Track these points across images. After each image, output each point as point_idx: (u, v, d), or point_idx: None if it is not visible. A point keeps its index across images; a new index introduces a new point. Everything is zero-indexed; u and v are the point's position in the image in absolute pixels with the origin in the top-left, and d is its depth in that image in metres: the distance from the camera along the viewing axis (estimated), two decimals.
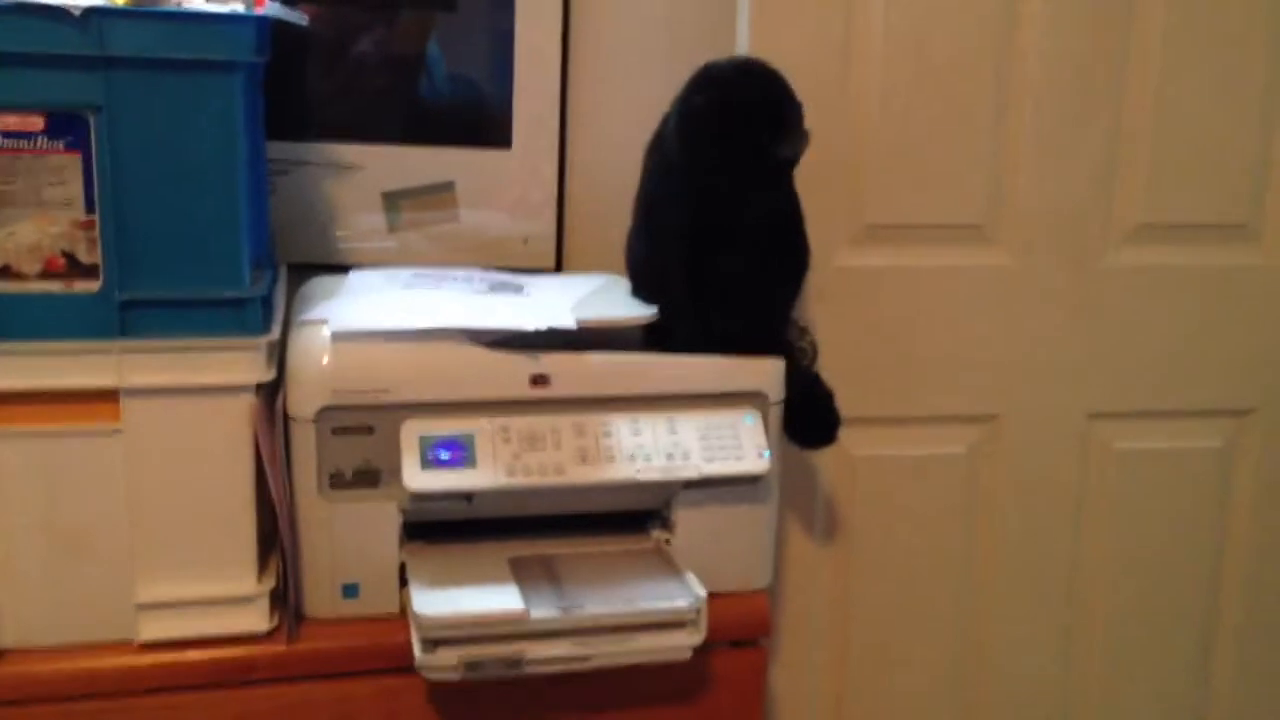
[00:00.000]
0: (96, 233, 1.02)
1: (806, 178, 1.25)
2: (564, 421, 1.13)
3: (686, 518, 1.19)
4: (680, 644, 1.11)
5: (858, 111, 1.48)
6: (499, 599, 1.08)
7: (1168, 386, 1.64)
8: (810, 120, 1.23)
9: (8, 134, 0.99)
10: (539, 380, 1.13)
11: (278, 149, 1.37)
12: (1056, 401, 1.61)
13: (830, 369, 1.35)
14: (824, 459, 1.55)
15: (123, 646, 1.08)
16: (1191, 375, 1.64)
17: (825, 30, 1.45)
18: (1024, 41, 1.50)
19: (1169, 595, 1.70)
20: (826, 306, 1.51)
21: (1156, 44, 1.52)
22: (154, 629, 1.08)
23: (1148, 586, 1.69)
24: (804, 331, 1.38)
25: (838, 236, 1.51)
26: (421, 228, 1.45)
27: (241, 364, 1.07)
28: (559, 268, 1.48)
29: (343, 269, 1.33)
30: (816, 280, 1.44)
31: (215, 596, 1.09)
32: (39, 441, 1.04)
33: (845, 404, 1.32)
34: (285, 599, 1.11)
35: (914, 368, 1.57)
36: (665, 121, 1.21)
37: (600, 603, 1.10)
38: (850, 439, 1.51)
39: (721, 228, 1.18)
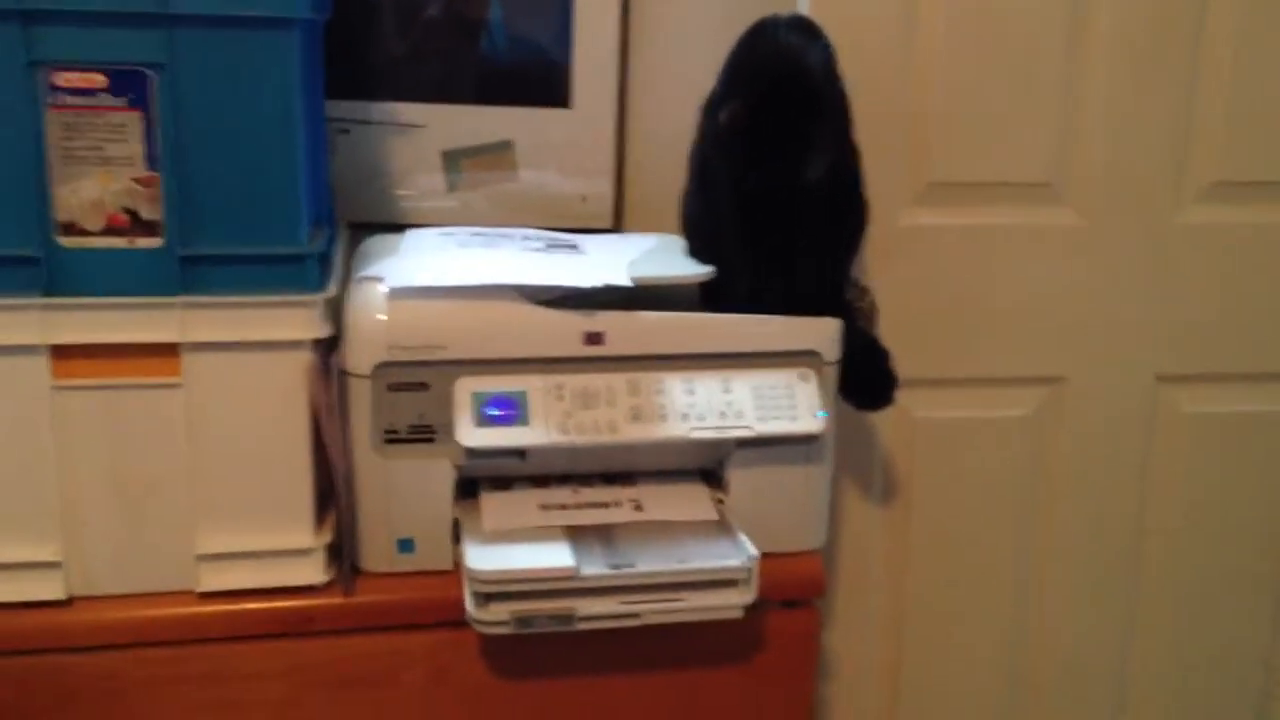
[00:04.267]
0: (158, 189, 1.04)
1: (868, 134, 1.23)
2: (618, 380, 1.13)
3: (740, 477, 1.19)
4: (732, 603, 1.11)
5: (922, 66, 1.46)
6: (551, 555, 1.09)
7: (1239, 349, 1.60)
8: (873, 76, 1.22)
9: (70, 91, 1.00)
10: (593, 338, 1.13)
11: (338, 108, 1.39)
12: (1124, 364, 1.58)
13: (891, 329, 1.33)
14: (883, 420, 1.54)
15: (184, 596, 1.10)
16: (1263, 337, 1.60)
17: None
18: None
19: (1237, 564, 1.67)
20: (888, 266, 1.49)
21: None
22: (214, 579, 1.10)
23: (1215, 554, 1.66)
24: (864, 291, 1.36)
25: (901, 195, 1.49)
26: (480, 187, 1.45)
27: (299, 320, 1.08)
28: (617, 227, 1.48)
29: (402, 228, 1.34)
30: (878, 239, 1.42)
31: (273, 549, 1.11)
32: (102, 394, 1.06)
33: (906, 365, 1.31)
34: (341, 553, 1.13)
35: (977, 328, 1.55)
36: (719, 80, 1.20)
37: (651, 560, 1.10)
38: (910, 400, 1.50)
39: (777, 187, 1.17)
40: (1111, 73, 1.48)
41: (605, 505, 1.14)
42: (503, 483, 1.18)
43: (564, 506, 1.13)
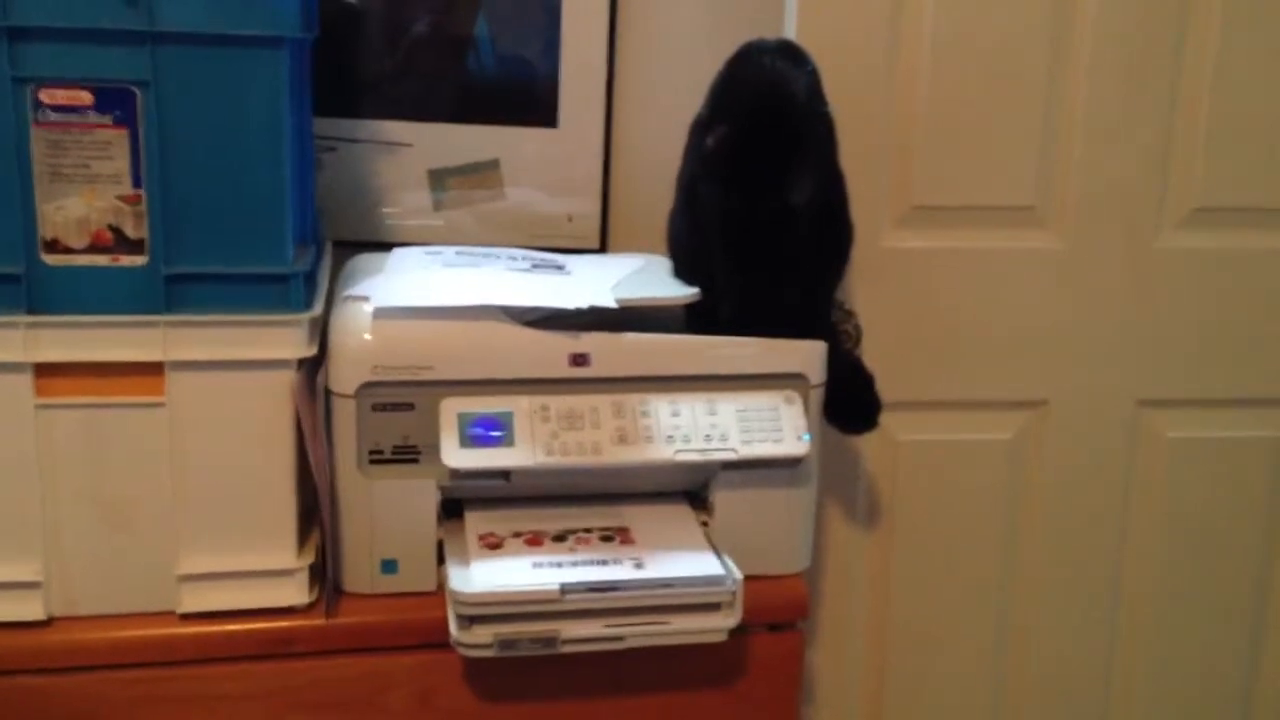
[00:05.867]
0: (143, 207, 1.03)
1: (852, 157, 1.24)
2: (603, 401, 1.13)
3: (725, 499, 1.19)
4: (716, 626, 1.11)
5: (906, 90, 1.46)
6: (535, 577, 1.08)
7: (1221, 374, 1.60)
8: (857, 99, 1.23)
9: (56, 108, 1.00)
10: (579, 359, 1.13)
11: (325, 126, 1.38)
12: (1106, 388, 1.59)
13: (875, 352, 1.34)
14: (866, 443, 1.54)
15: (164, 617, 1.09)
16: (1246, 363, 1.61)
17: (873, 6, 1.43)
18: (1078, 19, 1.47)
19: (1217, 589, 1.67)
20: (872, 289, 1.50)
21: (1215, 22, 1.49)
22: (195, 600, 1.10)
23: (1196, 580, 1.67)
24: (849, 314, 1.36)
25: (884, 217, 1.49)
26: (467, 206, 1.45)
27: (284, 339, 1.07)
28: (603, 247, 1.48)
29: (388, 247, 1.33)
30: (862, 262, 1.42)
31: (255, 569, 1.10)
32: (85, 413, 1.06)
33: (889, 388, 1.31)
34: (324, 573, 1.12)
35: (960, 352, 1.55)
36: (705, 103, 1.20)
37: (636, 584, 1.10)
38: (894, 423, 1.51)
39: (762, 210, 1.17)
40: (1093, 98, 1.49)
41: (603, 562, 1.12)
42: (487, 504, 1.18)
43: (558, 564, 1.11)
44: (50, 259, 1.03)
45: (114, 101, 1.01)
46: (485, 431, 1.10)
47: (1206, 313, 1.58)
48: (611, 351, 1.14)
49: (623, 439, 1.12)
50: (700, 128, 1.21)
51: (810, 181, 1.15)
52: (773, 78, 1.17)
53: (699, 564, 1.13)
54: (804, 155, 1.16)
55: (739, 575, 1.11)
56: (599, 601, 1.08)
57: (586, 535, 1.16)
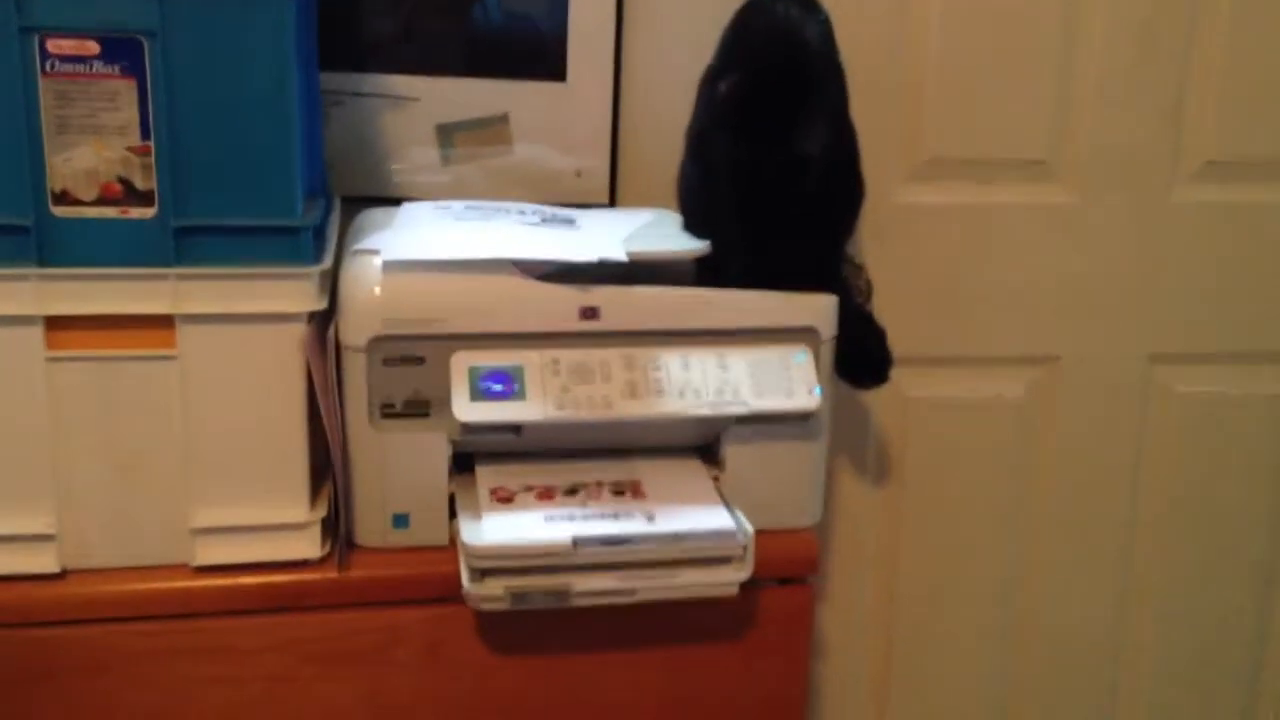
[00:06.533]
0: (152, 159, 1.03)
1: (864, 110, 1.23)
2: (613, 355, 1.13)
3: (736, 454, 1.19)
4: (727, 579, 1.11)
5: (918, 42, 1.45)
6: (547, 531, 1.09)
7: (1233, 329, 1.60)
8: (868, 52, 1.21)
9: (63, 58, 0.99)
10: (589, 313, 1.12)
11: (332, 80, 1.37)
12: (1117, 343, 1.58)
13: (886, 307, 1.33)
14: (877, 399, 1.54)
15: (178, 570, 1.10)
16: (1257, 317, 1.60)
17: None
18: None
19: (1229, 544, 1.68)
20: (883, 243, 1.49)
21: None
22: (208, 553, 1.10)
23: (1207, 534, 1.67)
24: (859, 269, 1.36)
25: (896, 171, 1.48)
26: (475, 161, 1.44)
27: (294, 292, 1.07)
28: (613, 202, 1.47)
29: (396, 202, 1.33)
30: (873, 216, 1.42)
31: (268, 523, 1.10)
32: (96, 366, 1.05)
33: (900, 343, 1.31)
34: (336, 527, 1.13)
35: (972, 307, 1.55)
36: (716, 53, 1.19)
37: (648, 537, 1.10)
38: (904, 379, 1.50)
39: (773, 160, 1.16)
40: (1107, 50, 1.48)
41: (615, 515, 1.12)
42: (498, 458, 1.18)
43: (570, 518, 1.11)
44: (59, 211, 1.02)
45: (121, 51, 1.00)
46: (496, 385, 1.10)
47: (1219, 267, 1.57)
48: (622, 305, 1.13)
49: (633, 393, 1.12)
50: (711, 78, 1.20)
51: (822, 130, 1.15)
52: (785, 25, 1.16)
53: (710, 518, 1.13)
54: (817, 103, 1.15)
55: (750, 529, 1.11)
56: (611, 555, 1.08)
57: (598, 489, 1.16)
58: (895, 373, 1.32)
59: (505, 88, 1.43)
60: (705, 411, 1.13)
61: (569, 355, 1.12)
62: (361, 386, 1.10)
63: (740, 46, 1.18)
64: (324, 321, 1.10)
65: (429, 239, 1.16)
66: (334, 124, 1.39)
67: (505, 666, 1.15)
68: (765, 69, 1.15)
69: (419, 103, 1.42)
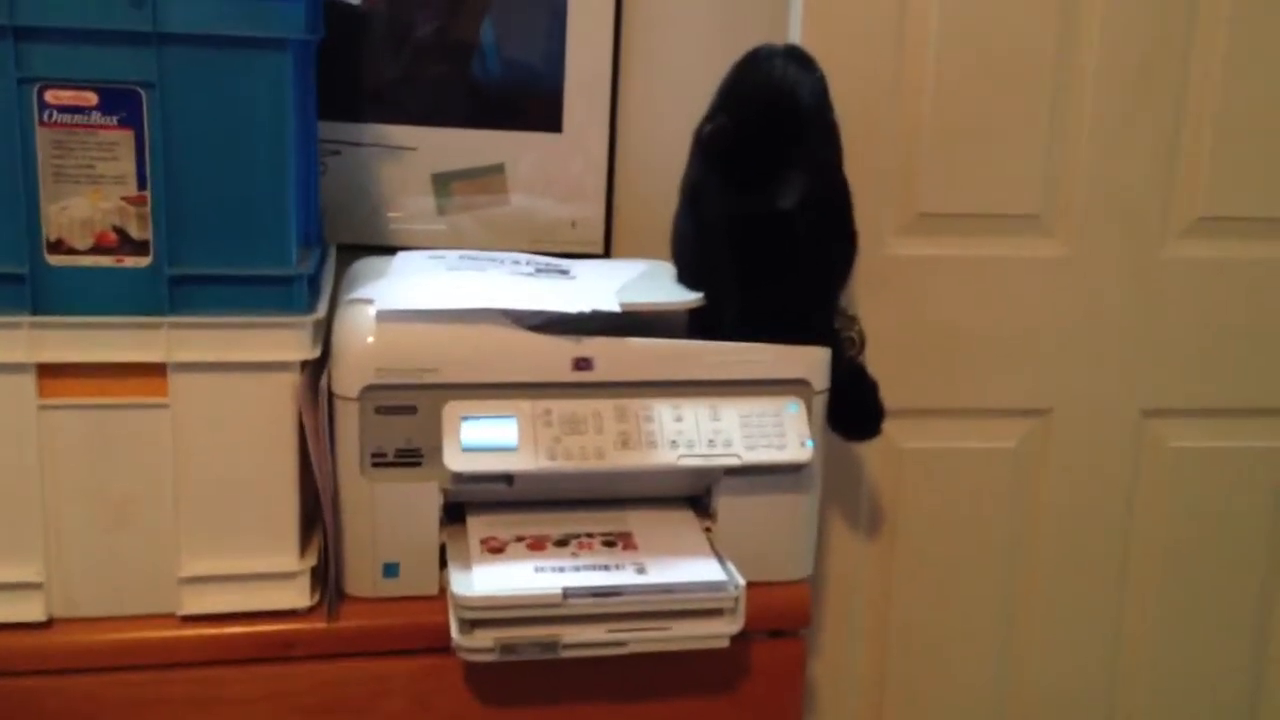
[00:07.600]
0: (148, 208, 1.03)
1: (857, 164, 1.24)
2: (606, 406, 1.13)
3: (728, 505, 1.19)
4: (718, 632, 1.10)
5: (911, 97, 1.46)
6: (537, 582, 1.08)
7: (1225, 384, 1.60)
8: (862, 106, 1.22)
9: (61, 109, 1.00)
10: (582, 364, 1.13)
11: (330, 129, 1.38)
12: (1110, 397, 1.59)
13: (879, 359, 1.33)
14: (870, 450, 1.54)
15: (165, 619, 1.09)
16: (1250, 373, 1.60)
17: (879, 13, 1.44)
18: (1084, 28, 1.47)
19: (1221, 601, 1.67)
20: (876, 296, 1.49)
21: (1221, 31, 1.49)
22: (196, 603, 1.09)
23: (1199, 589, 1.66)
24: (852, 321, 1.36)
25: (889, 225, 1.49)
26: (471, 210, 1.45)
27: (287, 341, 1.07)
28: (608, 252, 1.48)
29: (391, 251, 1.33)
30: (866, 269, 1.42)
31: (257, 572, 1.10)
32: (88, 414, 1.05)
33: (893, 395, 1.31)
34: (326, 576, 1.12)
35: (965, 360, 1.55)
36: (712, 105, 1.20)
37: (638, 589, 1.09)
38: (897, 431, 1.51)
39: (765, 214, 1.17)
40: (1099, 107, 1.49)
41: (606, 567, 1.11)
42: (490, 508, 1.18)
43: (560, 569, 1.10)
44: (54, 259, 1.02)
45: (119, 102, 1.01)
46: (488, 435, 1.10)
47: (1211, 322, 1.58)
48: (615, 356, 1.13)
49: (626, 444, 1.12)
50: (702, 127, 1.20)
51: (799, 186, 1.15)
52: (779, 80, 1.17)
53: (701, 569, 1.13)
54: (797, 158, 1.16)
55: (741, 581, 1.10)
56: (601, 606, 1.08)
57: (589, 540, 1.16)
58: (888, 424, 1.32)
59: (502, 138, 1.44)
60: (697, 463, 1.13)
61: (561, 406, 1.12)
62: (353, 435, 1.10)
63: (731, 95, 1.19)
64: (317, 370, 1.10)
65: (423, 288, 1.16)
66: (331, 173, 1.40)
67: (495, 718, 1.14)
68: (750, 119, 1.16)
69: (415, 152, 1.43)
